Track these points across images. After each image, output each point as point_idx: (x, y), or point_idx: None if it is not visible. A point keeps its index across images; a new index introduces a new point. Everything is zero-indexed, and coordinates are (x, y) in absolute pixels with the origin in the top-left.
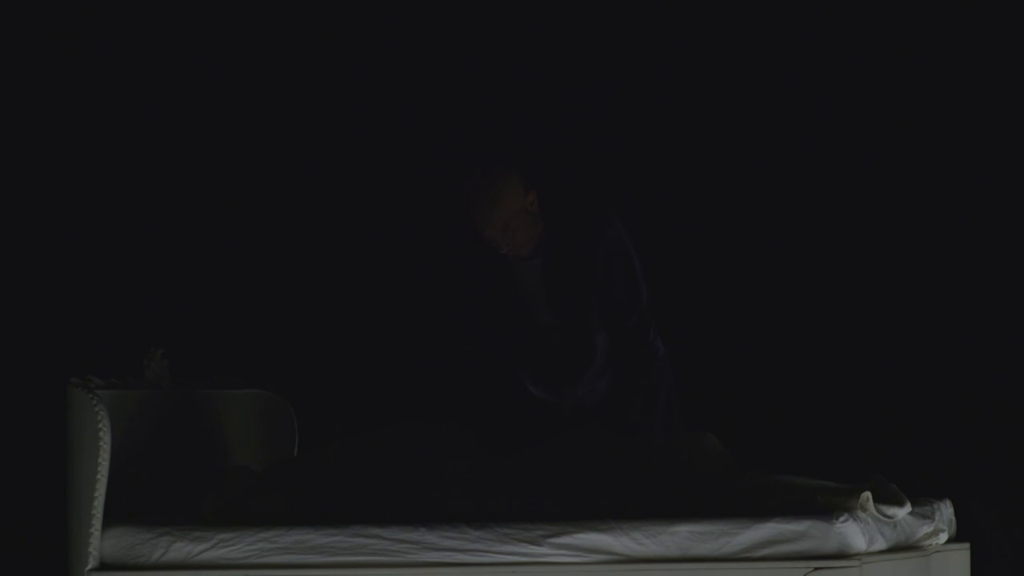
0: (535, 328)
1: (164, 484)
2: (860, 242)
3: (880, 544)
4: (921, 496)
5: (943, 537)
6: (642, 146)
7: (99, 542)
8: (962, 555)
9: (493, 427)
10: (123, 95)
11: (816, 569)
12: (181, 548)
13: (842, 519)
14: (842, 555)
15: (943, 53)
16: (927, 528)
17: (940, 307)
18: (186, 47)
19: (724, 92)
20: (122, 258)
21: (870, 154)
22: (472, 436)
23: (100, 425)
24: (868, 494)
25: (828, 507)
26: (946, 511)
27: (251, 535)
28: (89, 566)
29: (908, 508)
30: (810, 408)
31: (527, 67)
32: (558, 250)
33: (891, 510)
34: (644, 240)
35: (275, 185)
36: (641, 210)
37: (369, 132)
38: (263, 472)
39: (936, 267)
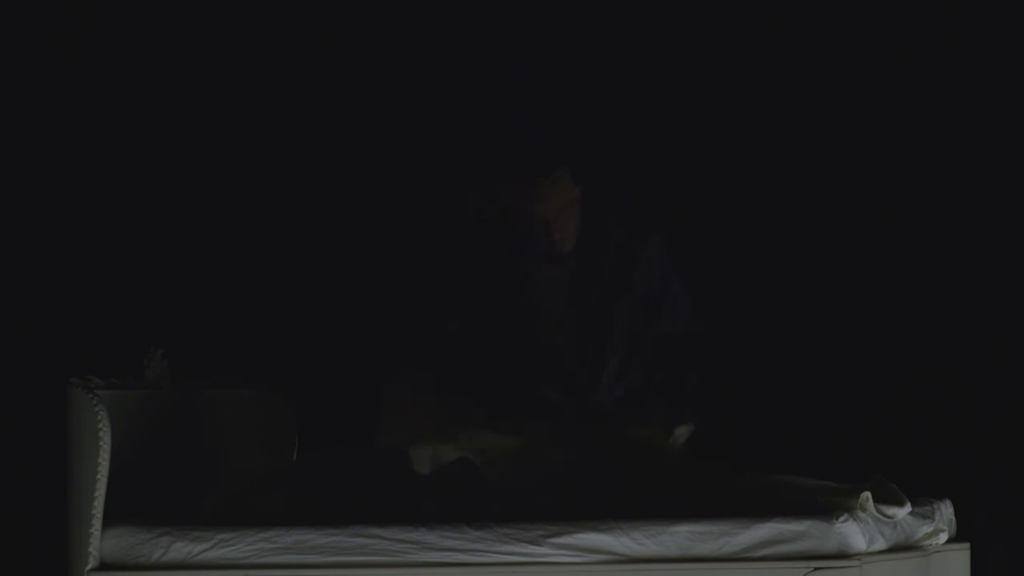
0: (542, 337)
1: (164, 484)
2: (860, 242)
3: (880, 544)
4: (921, 496)
5: (943, 537)
6: (642, 146)
7: (99, 542)
8: (962, 555)
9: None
10: (123, 95)
11: (816, 569)
12: (181, 548)
13: (842, 519)
14: (842, 555)
15: (943, 53)
16: (927, 528)
17: (940, 307)
18: (186, 47)
19: (724, 92)
20: (122, 258)
21: (870, 154)
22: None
23: (100, 425)
24: (868, 494)
25: (828, 507)
26: (946, 511)
27: (251, 535)
28: (89, 566)
29: (908, 508)
30: (810, 408)
31: (527, 67)
32: (600, 255)
33: (891, 510)
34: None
35: (275, 185)
36: (641, 210)
37: (369, 132)
38: (263, 472)
39: (936, 267)
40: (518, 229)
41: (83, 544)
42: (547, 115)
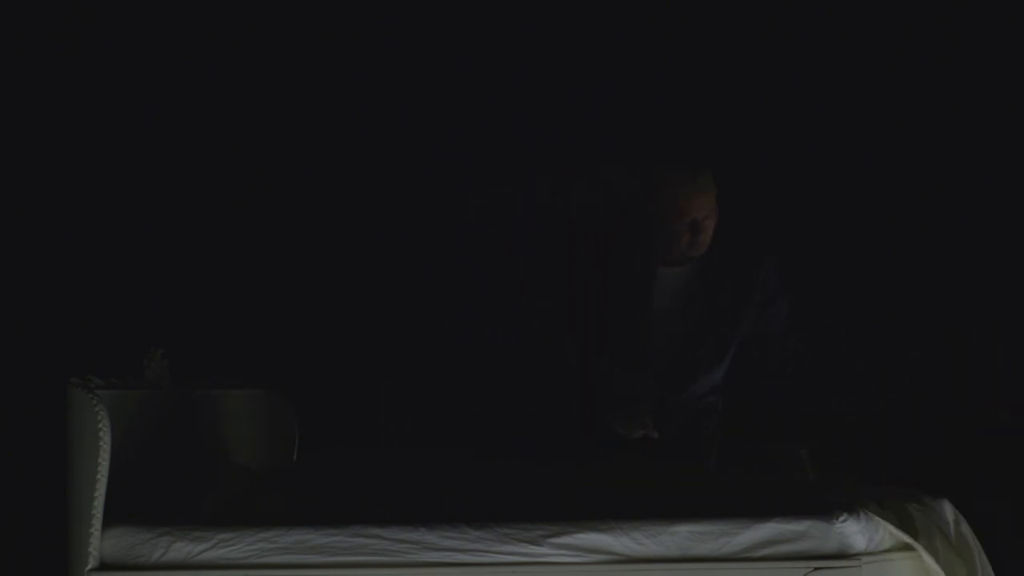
0: (646, 334)
1: (164, 484)
2: (860, 242)
3: (880, 544)
4: (921, 496)
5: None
6: (642, 146)
7: (99, 542)
8: None
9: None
10: (123, 95)
11: (816, 569)
12: (181, 548)
13: (842, 519)
14: (842, 555)
15: (943, 53)
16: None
17: (940, 307)
18: (186, 47)
19: (724, 92)
20: (122, 258)
21: (870, 154)
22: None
23: (100, 425)
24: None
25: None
26: (946, 511)
27: (251, 535)
28: (89, 566)
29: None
30: (810, 408)
31: (527, 67)
32: (726, 263)
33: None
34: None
35: (275, 185)
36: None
37: (369, 132)
38: (263, 472)
39: (936, 267)
40: (666, 225)
41: (83, 544)
42: (547, 115)
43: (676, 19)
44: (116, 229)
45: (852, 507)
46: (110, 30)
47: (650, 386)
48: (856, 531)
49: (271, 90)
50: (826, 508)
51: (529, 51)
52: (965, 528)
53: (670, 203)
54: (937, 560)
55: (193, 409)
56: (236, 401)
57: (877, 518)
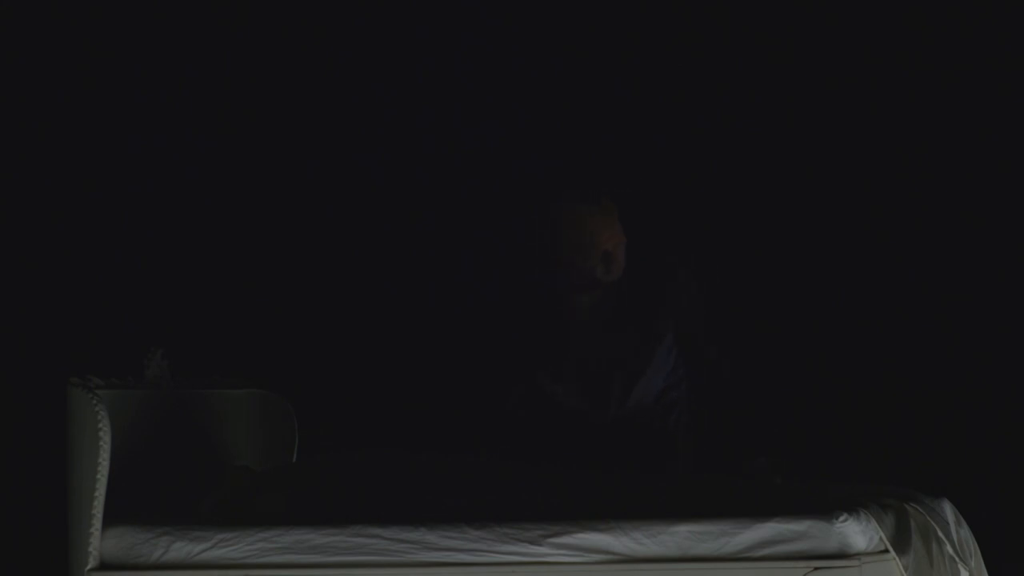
0: (575, 358)
1: (164, 484)
2: (860, 242)
3: (880, 544)
4: (921, 496)
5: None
6: (642, 146)
7: (99, 542)
8: None
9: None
10: (123, 95)
11: (816, 569)
12: (181, 548)
13: (842, 519)
14: (842, 555)
15: (943, 53)
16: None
17: (940, 307)
18: (186, 47)
19: (724, 92)
20: (122, 258)
21: (870, 154)
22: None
23: (100, 425)
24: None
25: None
26: (946, 511)
27: (251, 535)
28: (89, 566)
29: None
30: (811, 408)
31: (527, 67)
32: (635, 281)
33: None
34: (644, 242)
35: (275, 185)
36: (641, 211)
37: (369, 132)
38: (263, 472)
39: (936, 267)
40: (577, 259)
41: (83, 544)
42: (547, 114)
43: (677, 19)
44: (116, 229)
45: (852, 507)
46: (110, 30)
47: (587, 403)
48: (856, 531)
49: (271, 90)
50: (826, 508)
51: (529, 51)
52: (965, 529)
53: (583, 240)
54: (928, 568)
55: (193, 409)
56: (236, 401)
57: (875, 521)
